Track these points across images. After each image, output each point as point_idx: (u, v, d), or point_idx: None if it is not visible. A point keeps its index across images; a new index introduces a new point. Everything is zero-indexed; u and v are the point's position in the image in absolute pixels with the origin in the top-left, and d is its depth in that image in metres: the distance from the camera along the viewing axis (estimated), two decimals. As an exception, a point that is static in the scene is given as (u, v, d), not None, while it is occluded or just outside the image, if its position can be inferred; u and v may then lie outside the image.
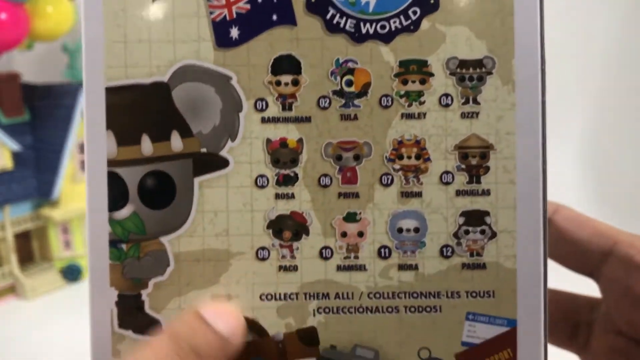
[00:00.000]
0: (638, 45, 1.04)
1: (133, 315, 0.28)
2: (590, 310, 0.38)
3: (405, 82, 0.28)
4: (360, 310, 0.28)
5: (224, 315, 0.27)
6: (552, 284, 0.38)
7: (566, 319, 0.38)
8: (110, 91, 0.28)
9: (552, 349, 0.31)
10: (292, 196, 0.28)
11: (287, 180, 0.28)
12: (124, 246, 0.28)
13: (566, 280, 0.39)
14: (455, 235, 0.28)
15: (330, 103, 0.28)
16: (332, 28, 0.28)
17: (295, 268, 0.28)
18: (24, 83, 0.88)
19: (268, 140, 0.28)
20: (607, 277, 0.35)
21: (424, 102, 0.28)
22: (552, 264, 0.41)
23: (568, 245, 0.36)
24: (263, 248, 0.28)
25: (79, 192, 0.89)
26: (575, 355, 0.38)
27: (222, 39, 0.28)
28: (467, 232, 0.28)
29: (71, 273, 0.88)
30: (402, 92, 0.28)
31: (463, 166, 0.28)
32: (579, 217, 0.36)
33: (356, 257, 0.28)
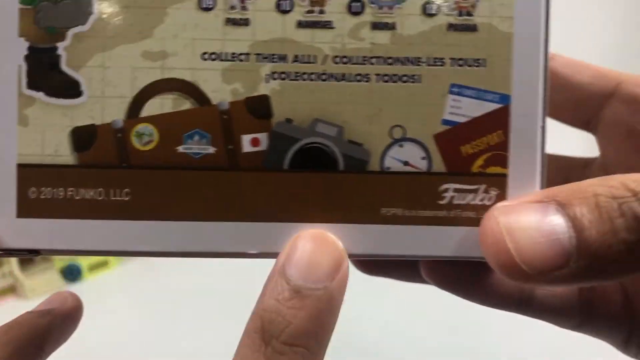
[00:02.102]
0: (638, 45, 1.01)
1: (46, 73, 0.23)
2: (583, 166, 0.34)
3: None
4: (324, 77, 0.23)
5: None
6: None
7: (557, 178, 0.34)
8: None
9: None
10: None
11: None
12: (36, -14, 0.23)
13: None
14: (442, -11, 0.23)
15: None
16: None
17: (246, 22, 0.23)
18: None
19: None
20: (609, 121, 0.31)
21: None
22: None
23: (566, 92, 0.32)
24: (208, -5, 0.23)
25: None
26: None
27: None
28: (456, -14, 0.23)
29: (71, 273, 0.87)
30: None
31: None
32: (578, 62, 0.32)
33: (321, 12, 0.23)
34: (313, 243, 0.23)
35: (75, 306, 0.29)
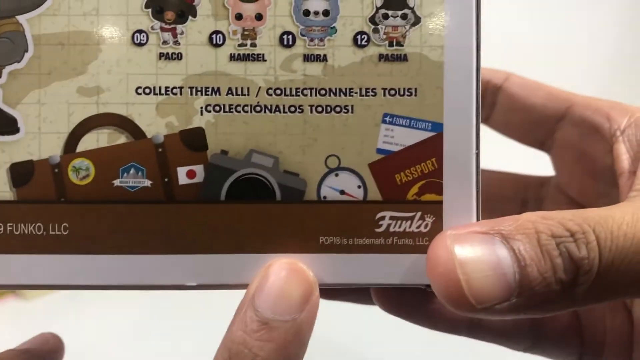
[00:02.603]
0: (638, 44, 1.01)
1: (-17, 111, 0.23)
2: (539, 186, 0.35)
3: None
4: (258, 108, 0.24)
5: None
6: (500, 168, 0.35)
7: (513, 197, 0.35)
8: None
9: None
10: (177, -32, 0.23)
11: (171, -52, 0.23)
12: (-29, 25, 0.23)
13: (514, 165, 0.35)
14: (372, 20, 0.23)
15: None
16: None
17: (179, 56, 0.23)
18: None
19: None
20: (561, 143, 0.31)
21: None
22: (499, 148, 0.37)
23: (520, 113, 0.32)
24: (140, 31, 0.23)
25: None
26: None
27: None
28: (385, 17, 0.23)
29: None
30: None
31: (383, -64, 0.23)
32: (532, 83, 0.33)
33: (253, 45, 0.23)
34: (284, 273, 0.23)
35: (55, 348, 0.29)
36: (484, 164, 0.25)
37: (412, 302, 0.27)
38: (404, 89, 0.23)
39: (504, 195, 0.35)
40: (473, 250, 0.22)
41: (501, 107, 0.32)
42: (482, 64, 0.24)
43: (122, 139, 0.24)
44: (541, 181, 0.35)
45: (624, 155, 0.27)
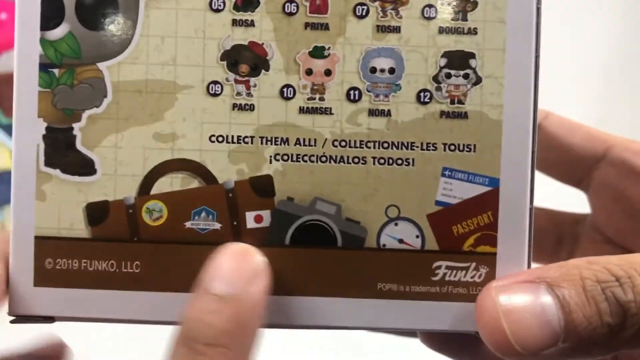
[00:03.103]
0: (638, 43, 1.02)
1: (62, 152, 0.25)
2: (575, 223, 0.35)
3: None
4: (323, 159, 0.25)
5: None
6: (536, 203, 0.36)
7: (549, 233, 0.36)
8: None
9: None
10: (252, 24, 0.25)
11: (247, 5, 0.24)
12: (56, 71, 0.25)
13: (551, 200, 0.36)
14: (435, 78, 0.25)
15: None
16: None
17: (251, 107, 0.25)
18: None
19: (227, -44, 0.24)
20: (599, 183, 0.32)
21: None
22: (536, 182, 0.39)
23: (559, 151, 0.33)
24: (215, 82, 0.25)
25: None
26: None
27: None
28: (448, 76, 0.25)
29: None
30: None
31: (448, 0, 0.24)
32: (571, 123, 0.34)
33: (322, 99, 0.25)
34: (231, 256, 0.24)
35: (59, 355, 0.29)
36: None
37: (459, 345, 0.28)
38: (464, 144, 0.25)
39: (539, 231, 0.36)
40: (517, 298, 0.23)
41: (540, 146, 0.34)
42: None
43: (194, 183, 0.25)
44: (576, 218, 0.36)
45: None
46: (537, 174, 0.35)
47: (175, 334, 0.23)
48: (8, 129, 0.82)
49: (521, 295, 0.23)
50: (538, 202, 0.37)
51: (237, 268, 0.23)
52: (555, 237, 0.36)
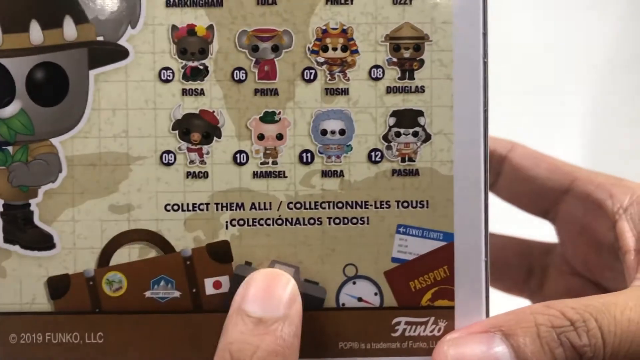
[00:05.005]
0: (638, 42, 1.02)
1: (20, 228, 0.25)
2: (544, 253, 0.36)
3: (330, -37, 0.25)
4: (279, 222, 0.25)
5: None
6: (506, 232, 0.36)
7: (519, 264, 0.36)
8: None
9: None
10: (202, 92, 0.25)
11: (196, 74, 0.25)
12: (10, 149, 0.25)
13: (519, 229, 0.36)
14: (385, 137, 0.25)
15: (244, -15, 0.25)
16: None
17: (205, 175, 0.25)
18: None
19: (174, 27, 0.25)
20: (564, 216, 0.33)
21: (351, -14, 0.25)
22: (504, 213, 0.39)
23: (524, 183, 0.34)
24: (168, 152, 0.25)
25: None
26: (524, 299, 0.36)
27: None
28: (398, 135, 0.25)
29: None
30: (327, -26, 0.25)
31: (394, 59, 0.25)
32: (536, 154, 0.34)
33: (275, 163, 0.25)
34: (266, 279, 0.24)
35: None
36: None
37: None
38: (417, 201, 0.25)
39: (509, 262, 0.36)
40: (469, 350, 0.23)
41: (506, 177, 0.34)
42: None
43: (152, 252, 0.25)
44: (546, 248, 0.36)
45: (627, 233, 0.28)
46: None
47: (218, 355, 0.23)
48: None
49: (474, 346, 0.23)
50: (507, 230, 0.37)
51: (275, 291, 0.24)
52: (525, 268, 0.36)
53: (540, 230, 0.37)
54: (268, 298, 0.23)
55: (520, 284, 0.36)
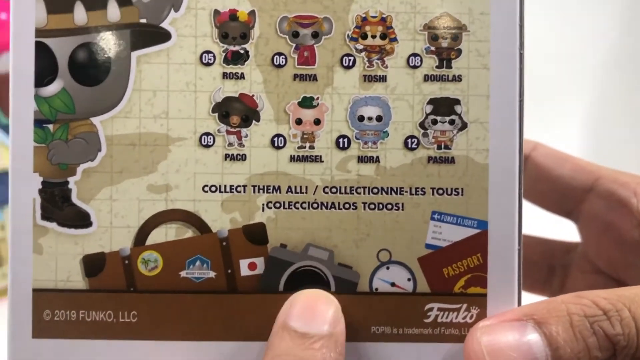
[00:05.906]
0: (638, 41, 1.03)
1: (58, 206, 0.25)
2: (566, 253, 0.36)
3: (371, -48, 0.25)
4: (315, 205, 0.25)
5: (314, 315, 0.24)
6: (527, 231, 0.36)
7: (540, 262, 0.36)
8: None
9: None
10: (242, 76, 0.25)
11: (237, 58, 0.25)
12: (50, 127, 0.25)
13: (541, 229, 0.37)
14: (422, 125, 0.25)
15: (287, -28, 0.25)
16: None
17: (243, 157, 0.25)
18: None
19: (216, 12, 0.25)
20: (588, 214, 0.33)
21: (392, -25, 0.25)
22: (526, 213, 0.39)
23: (548, 183, 0.34)
24: (207, 134, 0.25)
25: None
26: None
27: None
28: (434, 122, 0.25)
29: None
30: (368, -37, 0.25)
31: (432, 48, 0.25)
32: (559, 154, 0.34)
33: (312, 147, 0.25)
34: (310, 298, 0.24)
35: None
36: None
37: None
38: (452, 188, 0.25)
39: (530, 260, 0.36)
40: (502, 338, 0.23)
41: (529, 177, 0.34)
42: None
43: (189, 233, 0.25)
44: (567, 247, 0.36)
45: None
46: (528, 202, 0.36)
47: None
48: (8, 129, 0.82)
49: (507, 334, 0.23)
50: (530, 230, 0.37)
51: (319, 308, 0.24)
52: (546, 267, 0.36)
53: (558, 231, 0.37)
54: (312, 316, 0.24)
55: (542, 282, 0.36)
